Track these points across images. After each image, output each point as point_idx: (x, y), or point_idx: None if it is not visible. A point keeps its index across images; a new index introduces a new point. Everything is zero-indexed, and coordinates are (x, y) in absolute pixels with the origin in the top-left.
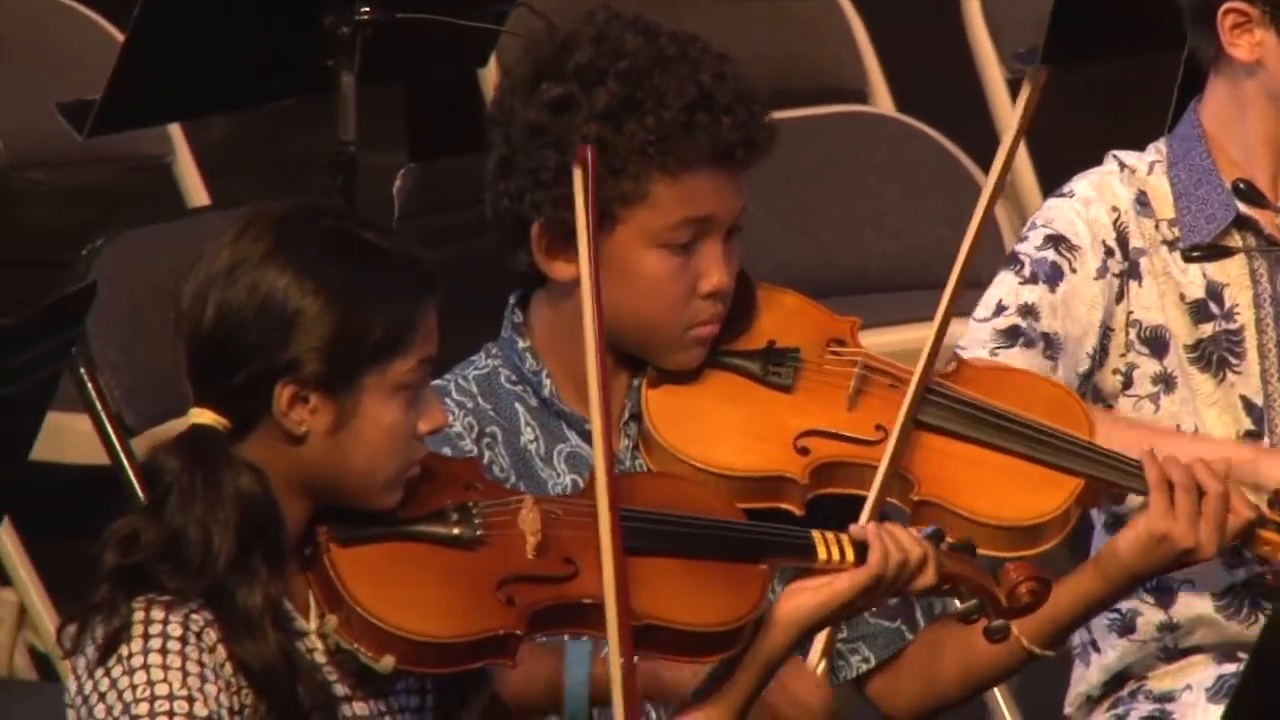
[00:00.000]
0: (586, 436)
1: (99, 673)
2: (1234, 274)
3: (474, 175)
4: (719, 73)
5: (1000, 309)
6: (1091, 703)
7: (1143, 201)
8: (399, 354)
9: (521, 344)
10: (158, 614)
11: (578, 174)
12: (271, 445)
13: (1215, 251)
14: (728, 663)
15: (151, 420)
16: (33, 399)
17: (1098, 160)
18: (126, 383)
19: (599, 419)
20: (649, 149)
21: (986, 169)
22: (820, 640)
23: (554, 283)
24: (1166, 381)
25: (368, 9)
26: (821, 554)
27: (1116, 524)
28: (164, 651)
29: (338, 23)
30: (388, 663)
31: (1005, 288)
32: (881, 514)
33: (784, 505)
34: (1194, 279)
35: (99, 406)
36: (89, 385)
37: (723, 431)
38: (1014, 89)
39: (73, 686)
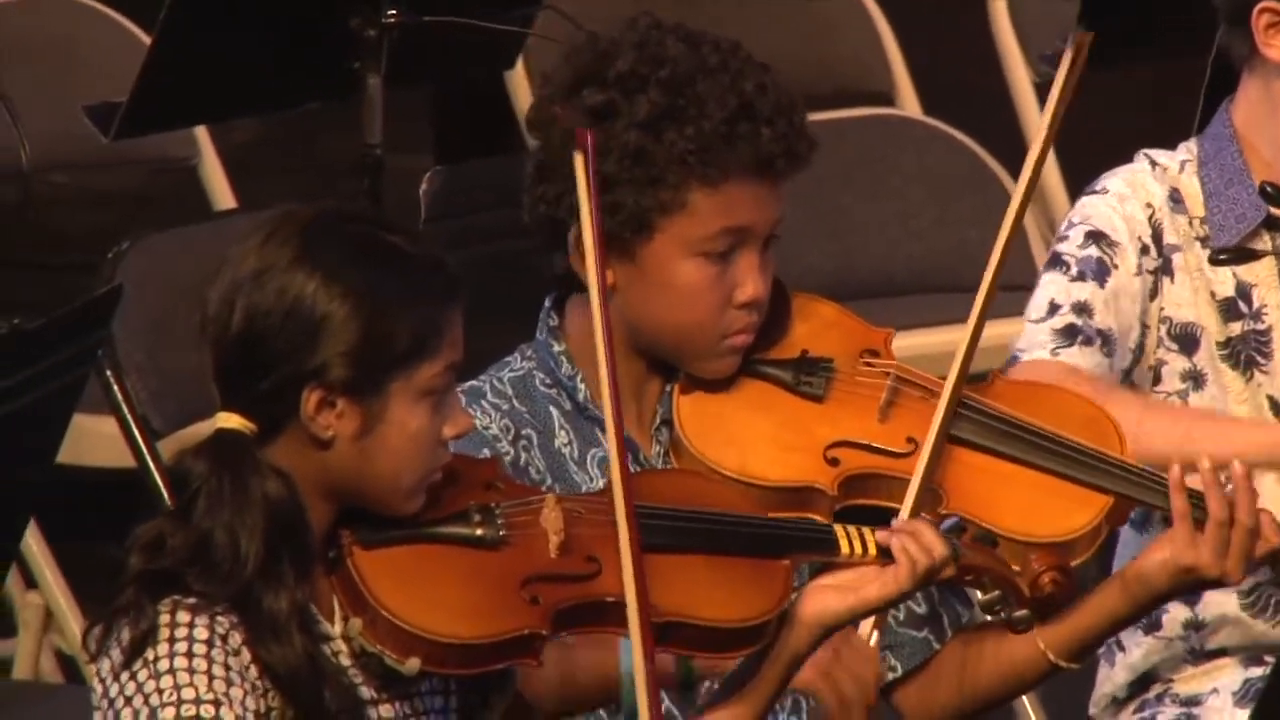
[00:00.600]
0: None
1: (125, 676)
2: (1262, 275)
3: (500, 178)
4: (761, 83)
5: (1054, 308)
6: (1117, 704)
7: (1176, 198)
8: (425, 359)
9: (557, 347)
10: (184, 617)
11: (578, 158)
12: (298, 450)
13: (1242, 255)
14: (751, 660)
15: (177, 423)
16: (59, 402)
17: (1124, 162)
18: (152, 385)
19: (610, 405)
20: (689, 158)
21: (1013, 171)
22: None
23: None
24: (1195, 378)
25: (394, 11)
26: (844, 549)
27: (1146, 521)
28: (190, 655)
29: (364, 25)
30: (413, 664)
31: (1055, 287)
32: None
33: (812, 515)
34: (1224, 277)
35: (125, 409)
36: (115, 388)
37: (753, 440)
38: (1040, 91)
39: (99, 690)
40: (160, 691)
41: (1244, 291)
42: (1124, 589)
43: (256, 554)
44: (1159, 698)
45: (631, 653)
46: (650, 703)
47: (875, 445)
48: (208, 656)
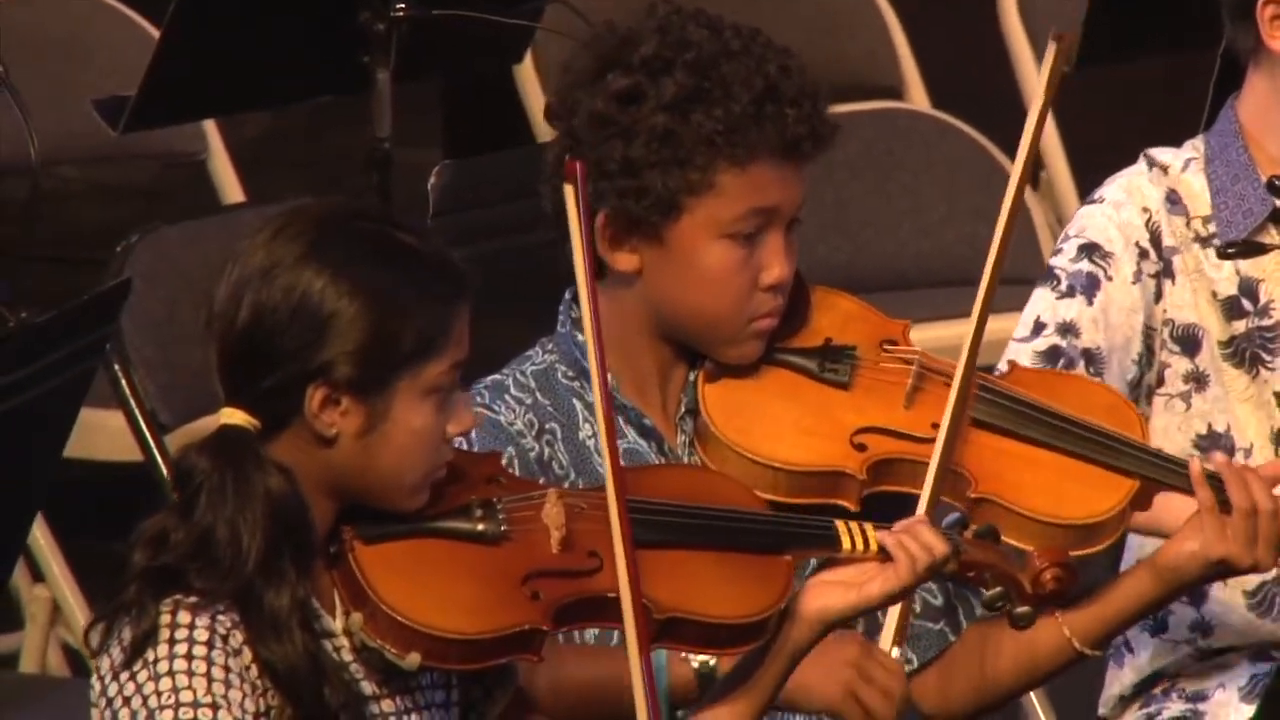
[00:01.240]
0: (643, 431)
1: (124, 676)
2: (1269, 269)
3: (509, 172)
4: (784, 65)
5: (1039, 328)
6: (1124, 702)
7: (1173, 200)
8: (432, 358)
9: (580, 337)
10: (184, 618)
11: (569, 190)
12: (301, 446)
13: (1251, 248)
14: (751, 656)
15: (185, 417)
16: (67, 396)
17: (1134, 158)
18: (160, 379)
19: (605, 434)
20: (717, 139)
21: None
22: (892, 623)
23: (614, 274)
24: (1198, 380)
25: (403, 5)
26: (845, 544)
27: None
28: (190, 657)
29: (373, 19)
30: (414, 660)
31: (1043, 304)
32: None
33: (840, 501)
34: (1227, 275)
35: (133, 403)
36: (123, 382)
37: (780, 427)
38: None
39: (97, 687)
40: (159, 694)
41: (1249, 288)
42: (1156, 577)
43: (258, 550)
44: (1165, 693)
45: (657, 671)
46: (648, 700)
47: (901, 431)
48: (207, 659)
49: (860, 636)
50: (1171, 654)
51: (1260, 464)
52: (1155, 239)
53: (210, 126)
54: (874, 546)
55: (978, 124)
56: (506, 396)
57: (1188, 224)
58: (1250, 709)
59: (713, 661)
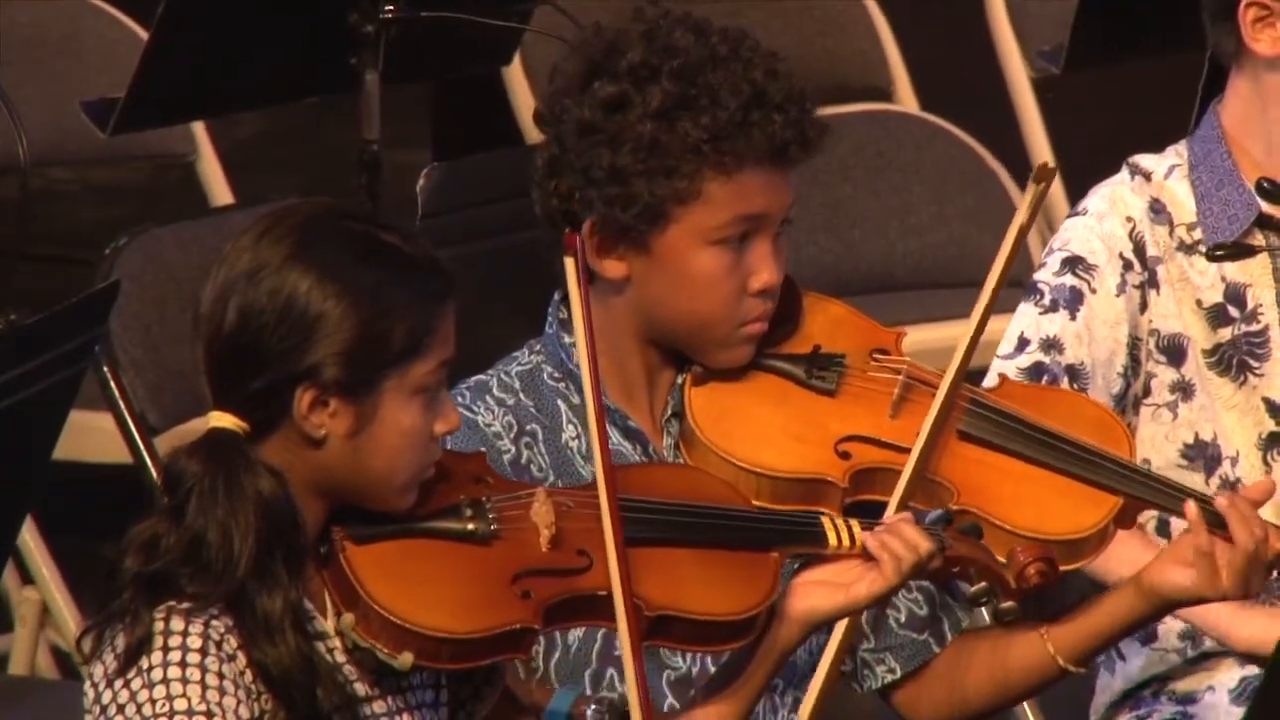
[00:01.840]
0: (628, 434)
1: (118, 684)
2: (1256, 274)
3: (498, 174)
4: (771, 70)
5: (1023, 344)
6: (1114, 707)
7: (1156, 209)
8: (419, 357)
9: (567, 339)
10: (177, 624)
11: (569, 263)
12: (290, 448)
13: (1239, 250)
14: (738, 656)
15: (175, 419)
16: (56, 398)
17: (1122, 164)
18: (150, 381)
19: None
20: (704, 147)
21: (1010, 167)
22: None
23: (602, 280)
24: (1184, 389)
25: (392, 7)
26: (832, 540)
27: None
28: (183, 665)
29: (362, 21)
30: (406, 659)
31: (1026, 320)
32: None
33: (822, 509)
34: (1212, 283)
35: (122, 405)
36: (112, 384)
37: (765, 432)
38: (1038, 87)
39: (90, 694)
40: (153, 702)
41: (1236, 294)
42: (1142, 600)
43: (250, 553)
44: (1155, 695)
45: (560, 700)
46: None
47: (886, 440)
48: (201, 666)
49: None
50: (1162, 663)
51: (1246, 487)
52: (1139, 249)
53: (199, 128)
54: (860, 543)
55: (966, 126)
56: (488, 397)
57: (1171, 232)
58: (1240, 711)
59: None
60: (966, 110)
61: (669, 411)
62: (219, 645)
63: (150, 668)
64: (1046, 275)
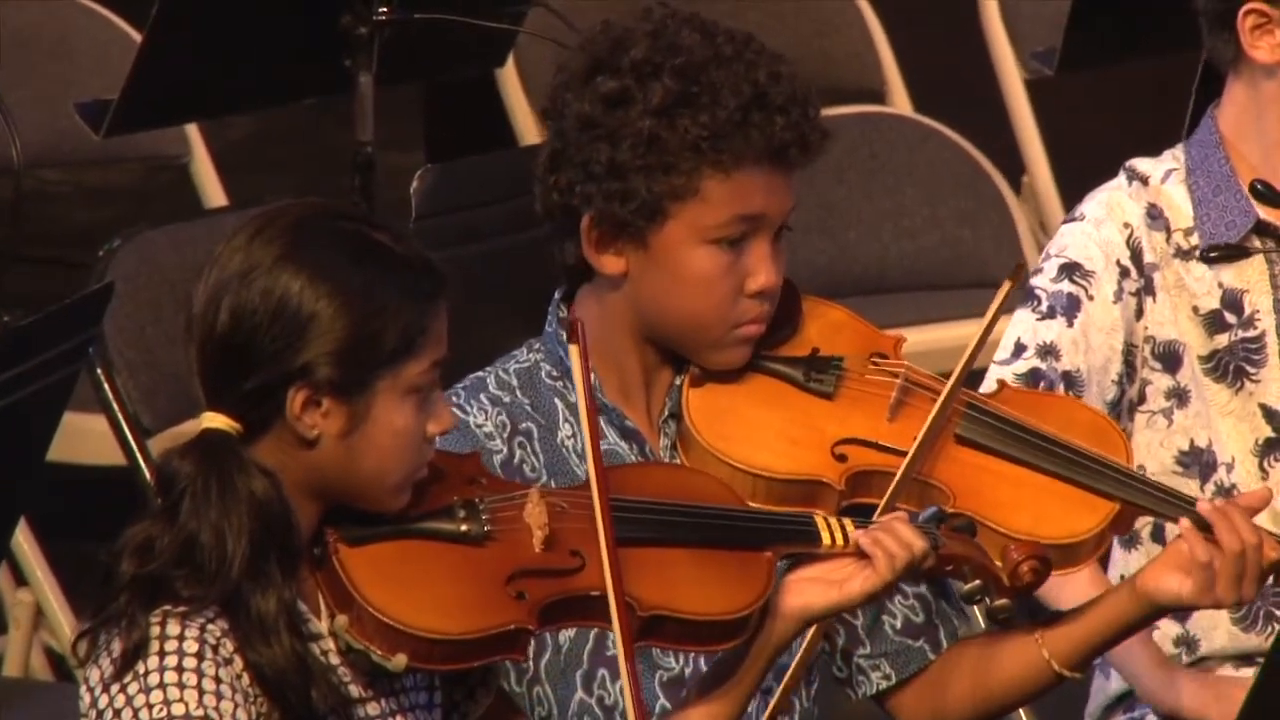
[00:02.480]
0: (625, 433)
1: (115, 688)
2: (1253, 279)
3: (492, 175)
4: (774, 72)
5: (1020, 350)
6: (1109, 710)
7: (1153, 215)
8: (411, 357)
9: (566, 337)
10: (174, 629)
11: (574, 350)
12: (283, 449)
13: (1234, 252)
14: (732, 654)
15: (168, 420)
16: (50, 399)
17: (1117, 165)
18: (143, 383)
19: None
20: (702, 144)
21: (1004, 169)
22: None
23: (601, 276)
24: (1179, 396)
25: (385, 9)
26: (825, 539)
27: (1132, 541)
28: (180, 669)
29: (355, 22)
30: (400, 661)
31: (1023, 326)
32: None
33: (819, 511)
34: (1209, 289)
35: (115, 407)
36: (105, 386)
37: (761, 434)
38: (1031, 89)
39: (86, 698)
40: (150, 707)
41: (1233, 299)
42: (1136, 607)
43: (243, 554)
44: None
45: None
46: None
47: (883, 444)
48: (198, 670)
49: None
50: None
51: (1242, 494)
52: (1136, 256)
53: (193, 130)
54: (853, 541)
55: (960, 128)
56: (482, 396)
57: (1168, 238)
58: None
59: None
60: (960, 112)
61: (666, 412)
62: (215, 649)
63: (147, 672)
64: (1044, 281)
